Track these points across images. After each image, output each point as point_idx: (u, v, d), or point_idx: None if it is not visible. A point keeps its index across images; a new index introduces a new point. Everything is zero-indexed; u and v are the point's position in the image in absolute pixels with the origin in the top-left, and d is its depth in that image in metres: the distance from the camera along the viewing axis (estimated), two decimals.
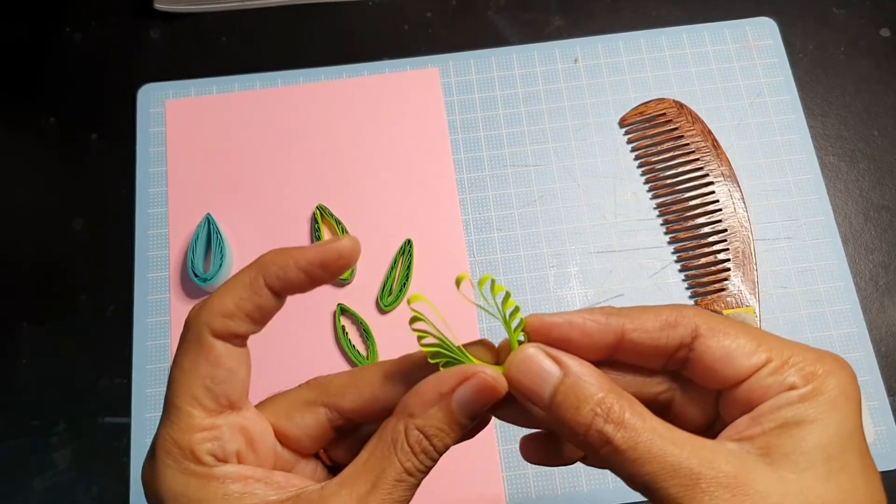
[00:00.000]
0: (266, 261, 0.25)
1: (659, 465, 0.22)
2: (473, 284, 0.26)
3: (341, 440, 0.28)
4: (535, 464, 0.29)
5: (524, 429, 0.28)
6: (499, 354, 0.26)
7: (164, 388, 0.49)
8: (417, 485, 0.25)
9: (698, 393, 0.26)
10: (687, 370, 0.25)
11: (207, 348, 0.25)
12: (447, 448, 0.25)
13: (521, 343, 0.26)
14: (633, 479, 0.23)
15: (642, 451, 0.22)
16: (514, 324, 0.25)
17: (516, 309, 0.25)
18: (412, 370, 0.26)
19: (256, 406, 0.27)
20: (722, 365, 0.24)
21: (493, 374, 0.24)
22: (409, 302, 0.25)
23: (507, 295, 0.25)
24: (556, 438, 0.28)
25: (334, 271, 0.25)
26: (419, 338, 0.25)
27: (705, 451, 0.23)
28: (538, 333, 0.25)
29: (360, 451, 0.25)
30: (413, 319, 0.25)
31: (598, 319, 0.25)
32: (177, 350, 0.25)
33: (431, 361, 0.25)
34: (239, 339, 0.25)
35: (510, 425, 0.27)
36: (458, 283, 0.25)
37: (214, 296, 0.25)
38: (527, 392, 0.24)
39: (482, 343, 0.26)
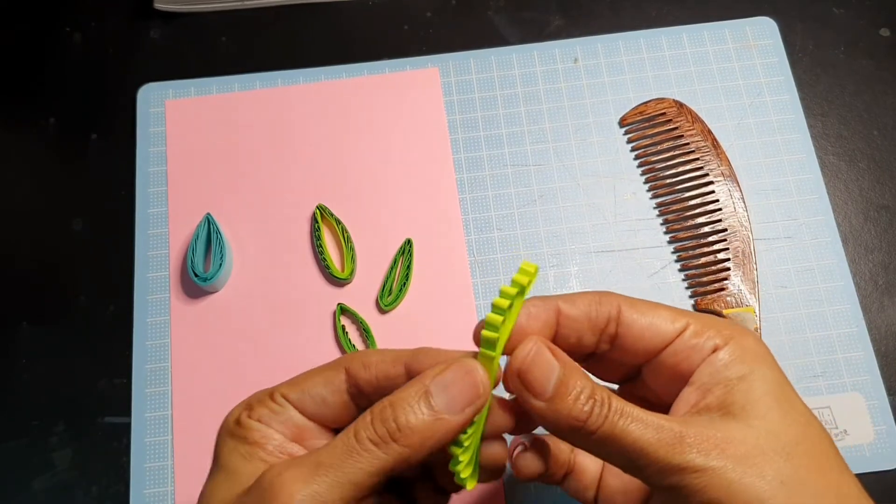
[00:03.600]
0: (423, 351, 0.28)
1: (647, 438, 0.24)
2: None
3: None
4: (531, 479, 0.32)
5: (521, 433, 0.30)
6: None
7: (164, 388, 0.48)
8: (371, 465, 0.25)
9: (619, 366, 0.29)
10: (616, 345, 0.28)
11: (332, 373, 0.28)
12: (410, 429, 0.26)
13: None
14: (624, 454, 0.25)
15: (630, 428, 0.25)
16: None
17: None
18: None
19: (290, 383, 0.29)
20: (648, 333, 0.27)
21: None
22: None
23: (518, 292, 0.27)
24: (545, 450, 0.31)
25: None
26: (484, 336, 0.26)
27: (679, 419, 0.25)
28: (493, 325, 0.28)
29: None
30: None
31: (537, 304, 0.28)
32: (325, 366, 0.29)
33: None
34: (353, 388, 0.28)
35: None
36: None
37: (370, 350, 0.29)
38: (534, 384, 0.26)
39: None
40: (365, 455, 0.24)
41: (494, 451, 0.28)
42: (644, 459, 0.24)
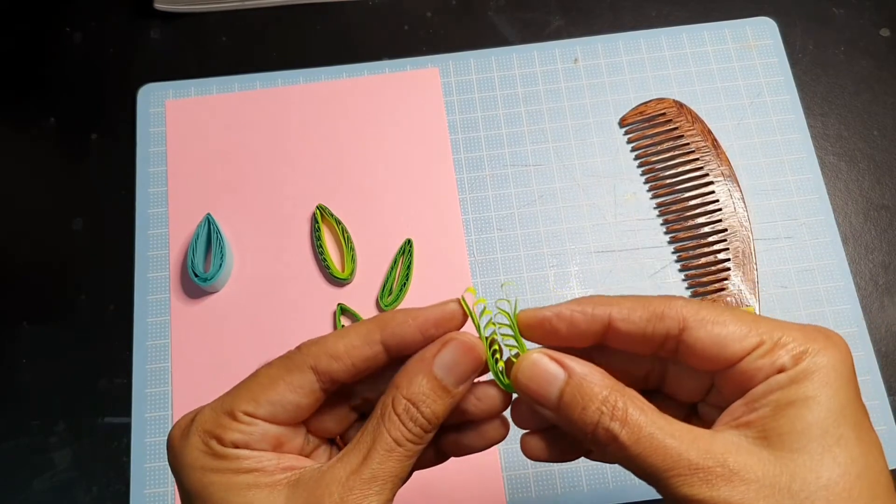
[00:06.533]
0: (386, 317, 0.26)
1: (661, 458, 0.23)
2: (466, 306, 0.27)
3: (334, 407, 0.29)
4: (538, 461, 0.30)
5: (521, 427, 0.29)
6: (509, 367, 0.27)
7: (164, 388, 0.49)
8: (412, 456, 0.26)
9: (689, 371, 0.27)
10: (678, 357, 0.26)
11: (298, 376, 0.26)
12: (437, 416, 0.26)
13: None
14: (638, 471, 0.24)
15: (645, 445, 0.24)
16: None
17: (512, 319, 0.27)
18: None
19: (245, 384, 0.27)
20: (713, 352, 0.25)
21: (469, 339, 0.26)
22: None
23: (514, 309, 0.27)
24: (561, 435, 0.29)
25: (446, 330, 0.27)
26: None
27: (703, 441, 0.24)
28: (529, 329, 0.27)
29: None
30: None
31: (584, 311, 0.26)
32: (276, 360, 0.27)
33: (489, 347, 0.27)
34: (328, 384, 0.26)
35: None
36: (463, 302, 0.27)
37: (329, 336, 0.27)
38: (535, 395, 0.26)
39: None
40: (401, 449, 0.25)
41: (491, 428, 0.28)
42: (659, 484, 0.24)
